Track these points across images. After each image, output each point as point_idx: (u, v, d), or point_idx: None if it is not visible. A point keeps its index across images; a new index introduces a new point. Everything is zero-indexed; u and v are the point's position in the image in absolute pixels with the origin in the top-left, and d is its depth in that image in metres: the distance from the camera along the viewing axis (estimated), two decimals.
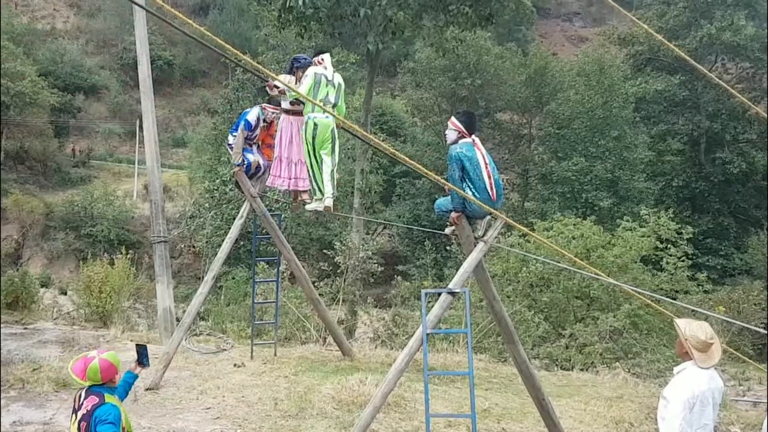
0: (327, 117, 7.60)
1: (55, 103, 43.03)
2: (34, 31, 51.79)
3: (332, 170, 7.86)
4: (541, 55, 35.95)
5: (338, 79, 7.92)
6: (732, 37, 32.10)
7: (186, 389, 8.24)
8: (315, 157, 7.82)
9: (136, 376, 4.40)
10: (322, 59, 7.89)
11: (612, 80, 32.24)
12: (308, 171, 7.97)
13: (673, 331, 11.83)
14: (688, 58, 6.15)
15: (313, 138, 7.69)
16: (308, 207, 8.26)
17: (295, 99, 8.07)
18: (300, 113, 8.04)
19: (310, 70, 7.74)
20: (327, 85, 7.70)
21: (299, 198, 8.59)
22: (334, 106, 7.78)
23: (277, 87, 8.28)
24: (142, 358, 4.30)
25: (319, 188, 7.95)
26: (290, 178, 8.36)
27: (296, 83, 8.11)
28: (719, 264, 30.45)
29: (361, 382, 8.03)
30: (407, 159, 4.80)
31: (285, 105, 8.37)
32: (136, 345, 4.39)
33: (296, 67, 8.34)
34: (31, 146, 42.24)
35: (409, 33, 18.92)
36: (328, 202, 7.90)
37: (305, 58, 8.37)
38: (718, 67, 35.93)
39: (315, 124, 7.65)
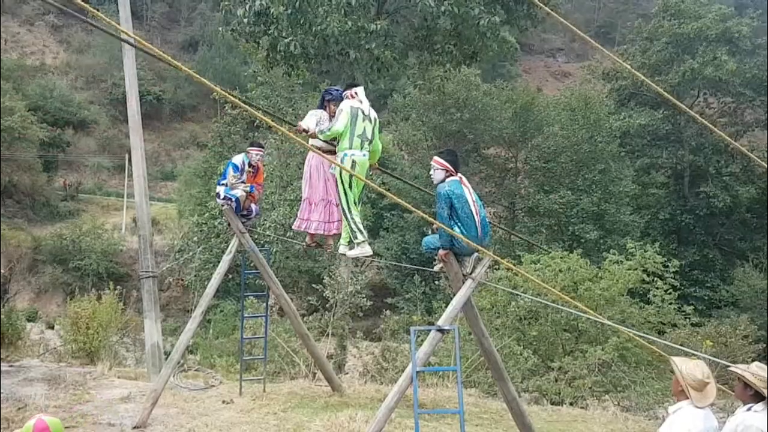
0: (365, 156, 7.01)
1: (44, 137, 43.12)
2: (23, 67, 52.06)
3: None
4: (527, 90, 36.42)
5: (374, 113, 7.29)
6: (714, 72, 32.75)
7: (174, 427, 8.17)
8: (350, 198, 7.16)
9: None
10: (356, 93, 7.29)
11: (597, 115, 32.75)
12: (344, 213, 7.23)
13: (662, 364, 11.91)
14: (668, 95, 6.31)
15: (351, 177, 7.00)
16: (350, 254, 7.38)
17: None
18: (333, 151, 7.25)
19: (346, 104, 7.14)
20: (364, 120, 7.09)
21: (327, 243, 8.13)
22: (371, 142, 7.20)
23: (306, 131, 7.49)
24: None
25: (358, 230, 7.19)
26: (323, 222, 7.76)
27: (329, 117, 7.58)
28: (706, 295, 30.67)
29: (351, 418, 8.00)
30: (397, 198, 4.88)
31: (318, 143, 7.46)
32: None
33: (328, 101, 7.77)
34: (20, 180, 42.11)
35: (394, 71, 19.12)
36: (368, 247, 7.29)
37: (337, 90, 7.76)
38: (700, 101, 36.64)
39: (353, 162, 6.97)
